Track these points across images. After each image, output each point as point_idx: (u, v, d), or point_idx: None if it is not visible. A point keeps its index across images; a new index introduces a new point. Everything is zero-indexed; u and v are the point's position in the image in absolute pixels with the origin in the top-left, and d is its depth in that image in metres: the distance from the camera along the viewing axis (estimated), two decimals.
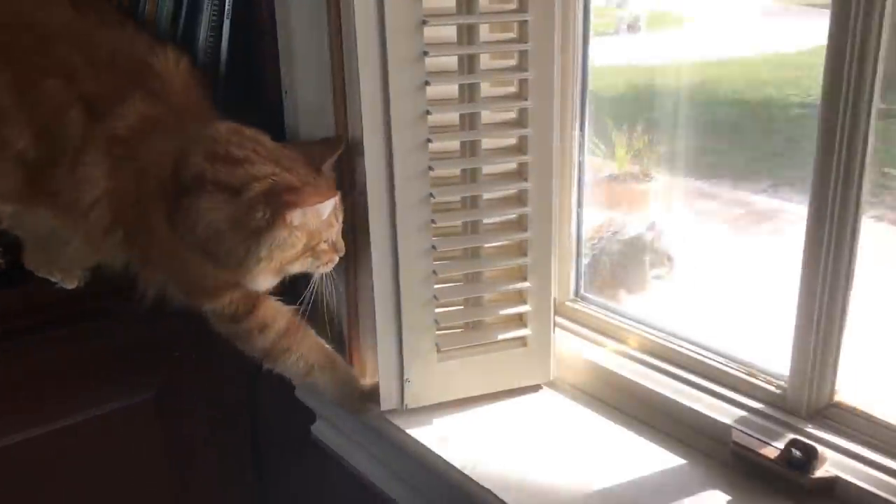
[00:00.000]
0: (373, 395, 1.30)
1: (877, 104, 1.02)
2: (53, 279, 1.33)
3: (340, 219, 1.21)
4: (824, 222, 1.08)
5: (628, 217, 1.59)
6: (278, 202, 1.10)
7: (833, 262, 1.08)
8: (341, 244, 1.22)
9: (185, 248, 1.16)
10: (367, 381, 1.35)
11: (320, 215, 1.15)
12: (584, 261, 1.48)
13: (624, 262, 1.55)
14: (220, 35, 1.41)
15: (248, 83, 1.43)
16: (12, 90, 1.20)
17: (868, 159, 1.04)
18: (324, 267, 1.20)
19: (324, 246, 1.18)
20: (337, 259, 1.22)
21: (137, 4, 1.40)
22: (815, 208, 1.08)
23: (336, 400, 1.36)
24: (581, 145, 1.37)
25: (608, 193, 2.44)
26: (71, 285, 1.34)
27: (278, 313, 1.28)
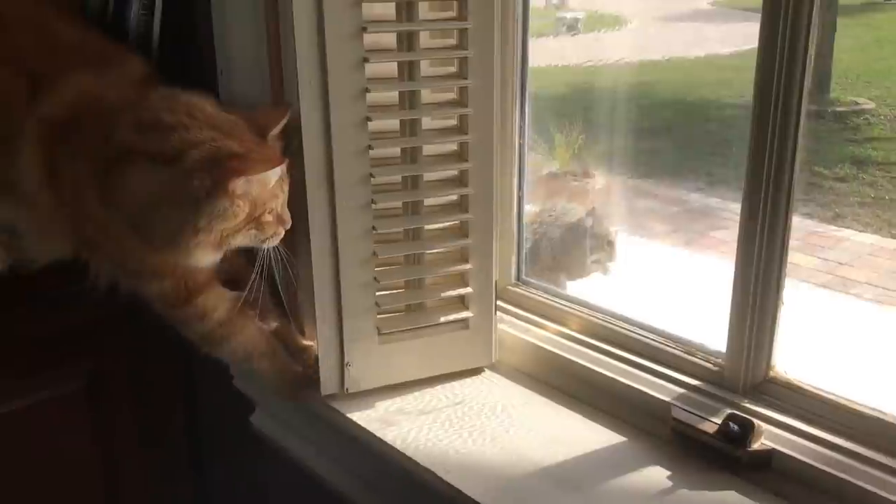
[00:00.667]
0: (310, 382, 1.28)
1: (806, 105, 1.05)
2: None
3: (286, 189, 1.16)
4: (757, 207, 1.11)
5: (569, 205, 1.60)
6: (220, 170, 1.05)
7: (766, 248, 1.11)
8: (287, 216, 1.17)
9: (118, 228, 1.13)
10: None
11: (266, 184, 1.10)
12: (526, 246, 1.48)
13: (565, 248, 1.56)
14: (152, 15, 1.39)
15: (181, 65, 1.40)
16: None
17: (799, 154, 1.07)
18: (269, 241, 1.15)
19: (268, 217, 1.13)
20: (282, 232, 1.17)
21: None
22: (750, 192, 1.11)
23: (272, 387, 1.33)
24: (521, 129, 1.38)
25: (549, 190, 2.47)
26: None
27: (219, 300, 1.24)
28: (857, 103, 3.81)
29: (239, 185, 1.06)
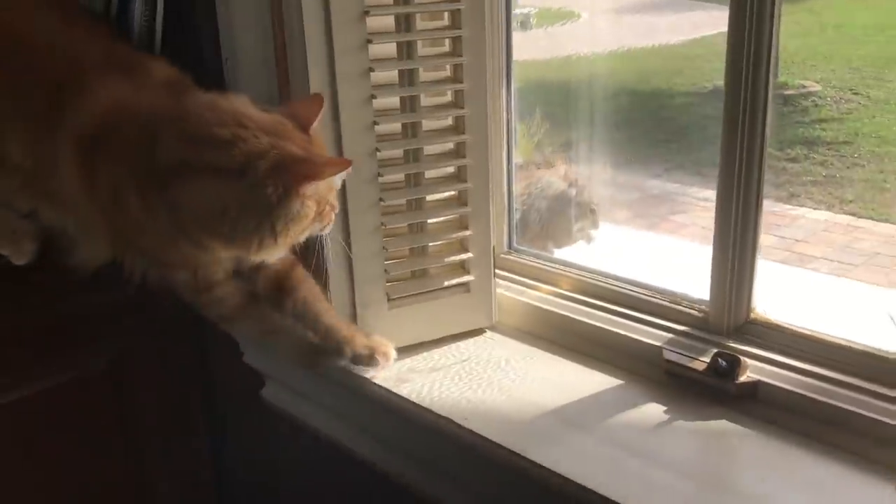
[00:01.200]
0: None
1: (773, 85, 1.16)
2: (3, 253, 1.34)
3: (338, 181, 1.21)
4: (734, 164, 1.21)
5: (552, 178, 1.71)
6: (291, 176, 1.09)
7: (743, 200, 1.21)
8: (336, 202, 1.21)
9: (157, 228, 1.17)
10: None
11: (330, 182, 1.15)
12: (515, 217, 1.58)
13: (551, 217, 1.66)
14: (155, 11, 1.44)
15: (184, 57, 1.47)
16: (12, 109, 1.25)
17: (769, 118, 1.18)
18: (326, 228, 1.20)
19: (327, 209, 1.17)
20: (334, 218, 1.21)
21: None
22: (726, 155, 1.21)
23: (290, 359, 1.40)
24: (508, 104, 1.48)
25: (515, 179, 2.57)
26: (21, 261, 1.35)
27: (235, 290, 1.30)
28: (804, 86, 3.96)
29: (310, 187, 1.11)
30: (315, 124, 1.18)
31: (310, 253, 1.25)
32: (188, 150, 1.11)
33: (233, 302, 1.31)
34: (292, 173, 1.09)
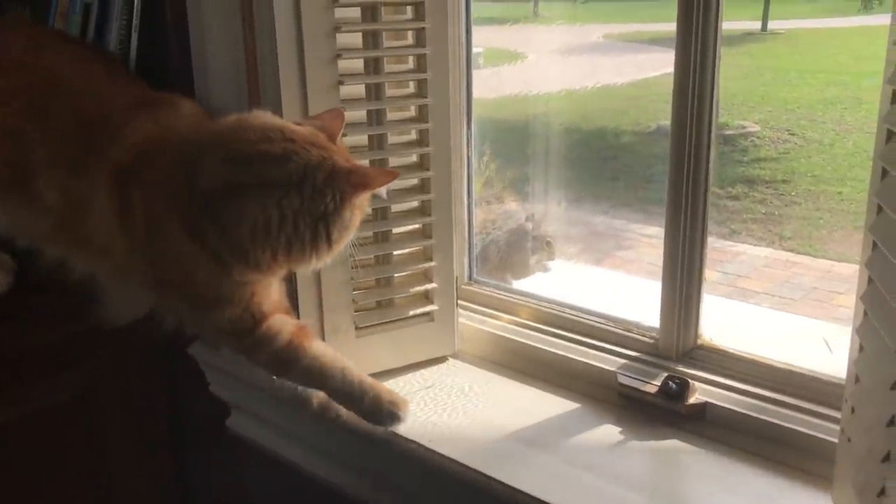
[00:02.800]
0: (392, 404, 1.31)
1: (715, 125, 1.26)
2: None
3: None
4: (680, 201, 1.30)
5: (510, 211, 1.79)
6: (345, 185, 1.13)
7: (689, 233, 1.31)
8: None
9: (199, 260, 1.17)
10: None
11: (381, 195, 1.21)
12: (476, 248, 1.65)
13: (509, 250, 1.73)
14: (130, 30, 1.49)
15: (155, 70, 1.51)
16: (46, 148, 1.27)
17: (713, 156, 1.28)
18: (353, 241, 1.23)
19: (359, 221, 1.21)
20: None
21: (47, 20, 1.47)
22: (672, 192, 1.30)
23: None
24: (469, 141, 1.55)
25: None
26: None
27: (283, 323, 1.28)
28: (743, 126, 4.14)
29: (362, 197, 1.16)
30: (340, 136, 1.22)
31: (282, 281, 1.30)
32: (235, 170, 1.14)
33: (282, 338, 1.27)
34: (349, 182, 1.14)
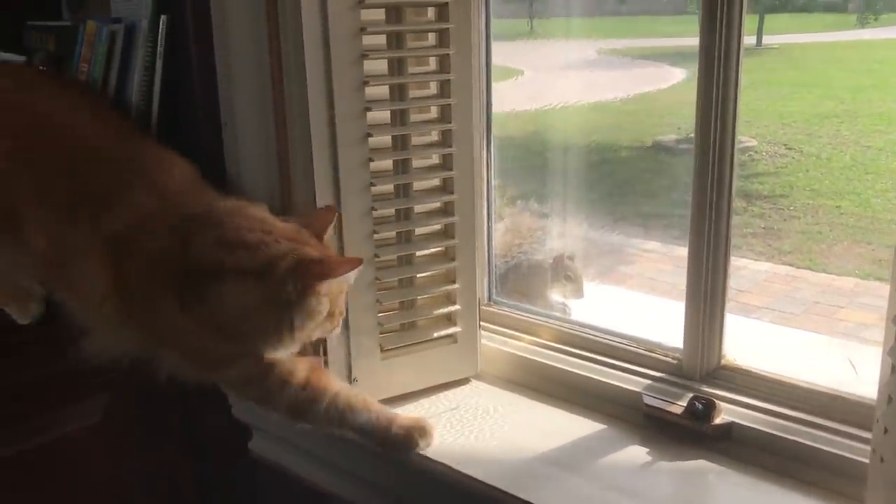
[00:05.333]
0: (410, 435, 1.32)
1: (738, 139, 1.28)
2: (9, 311, 1.36)
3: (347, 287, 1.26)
4: (704, 222, 1.31)
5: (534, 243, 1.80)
6: (307, 274, 1.16)
7: (713, 255, 1.32)
8: (344, 308, 1.27)
9: (199, 329, 1.21)
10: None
11: (347, 282, 1.22)
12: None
13: (528, 280, 1.75)
14: (153, 81, 1.50)
15: (181, 122, 1.52)
16: (35, 196, 1.28)
17: (735, 173, 1.30)
18: (336, 330, 1.27)
19: (336, 311, 1.23)
20: (341, 322, 1.28)
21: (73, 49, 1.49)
22: (697, 211, 1.32)
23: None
24: (489, 164, 1.57)
25: None
26: (24, 321, 1.37)
27: (295, 364, 1.28)
28: (741, 141, 4.16)
29: (325, 285, 1.18)
30: (328, 234, 1.26)
31: None
32: (223, 253, 1.17)
33: (296, 381, 1.28)
34: (309, 272, 1.16)
